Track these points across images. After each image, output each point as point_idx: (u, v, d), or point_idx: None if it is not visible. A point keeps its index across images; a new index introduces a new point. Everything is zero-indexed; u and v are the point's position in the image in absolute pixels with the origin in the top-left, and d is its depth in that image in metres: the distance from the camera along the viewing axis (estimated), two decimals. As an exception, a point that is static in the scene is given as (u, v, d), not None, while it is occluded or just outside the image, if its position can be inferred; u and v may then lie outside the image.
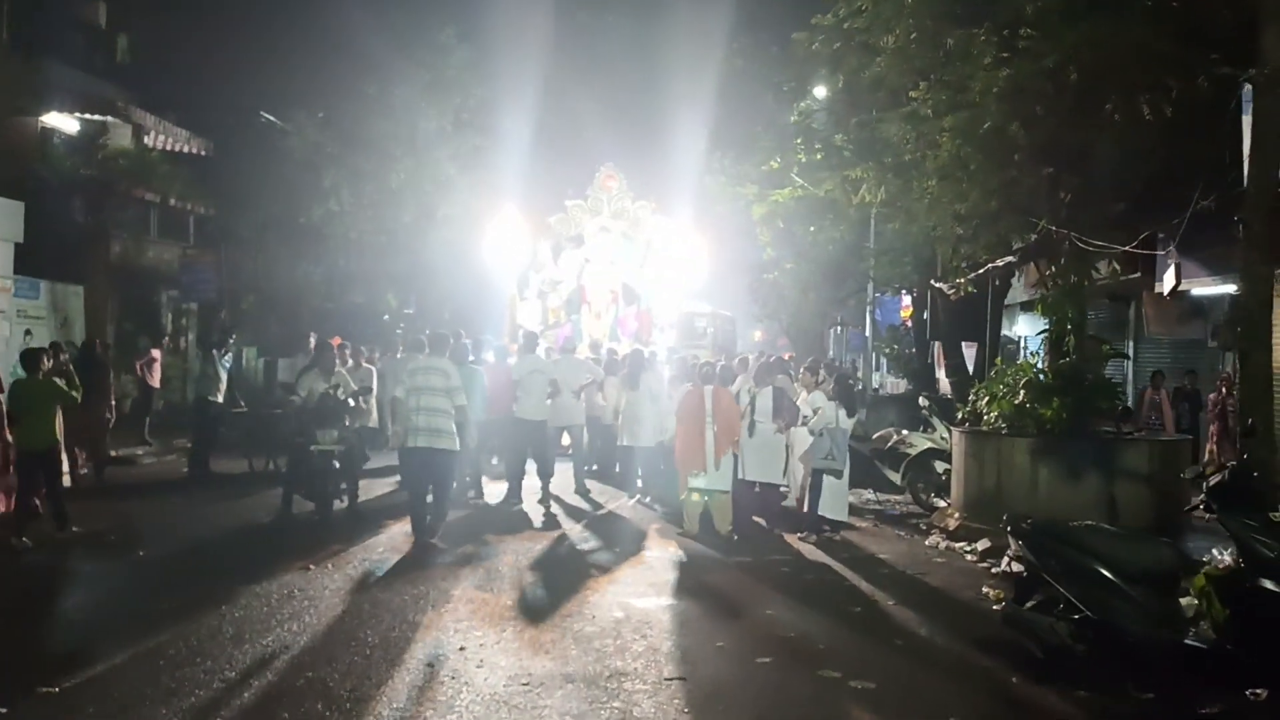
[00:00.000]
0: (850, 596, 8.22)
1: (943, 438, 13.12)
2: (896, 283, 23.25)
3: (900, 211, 13.23)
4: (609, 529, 11.08)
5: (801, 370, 12.74)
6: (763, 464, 10.87)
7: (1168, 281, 10.12)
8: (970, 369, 17.73)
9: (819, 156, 20.82)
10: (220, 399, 13.84)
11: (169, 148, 22.29)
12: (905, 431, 13.39)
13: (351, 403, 10.65)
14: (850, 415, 10.84)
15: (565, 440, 14.52)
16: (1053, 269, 10.90)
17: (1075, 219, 10.52)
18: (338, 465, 10.44)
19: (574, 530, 10.99)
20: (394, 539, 9.98)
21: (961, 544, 10.42)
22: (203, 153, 22.76)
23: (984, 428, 11.20)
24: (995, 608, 7.86)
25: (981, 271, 12.68)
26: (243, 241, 22.99)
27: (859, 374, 27.53)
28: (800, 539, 10.58)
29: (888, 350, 24.64)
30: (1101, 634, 5.53)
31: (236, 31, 22.85)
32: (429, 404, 9.60)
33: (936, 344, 21.77)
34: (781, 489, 11.47)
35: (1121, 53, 8.93)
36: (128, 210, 20.89)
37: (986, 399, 11.24)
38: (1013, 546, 6.12)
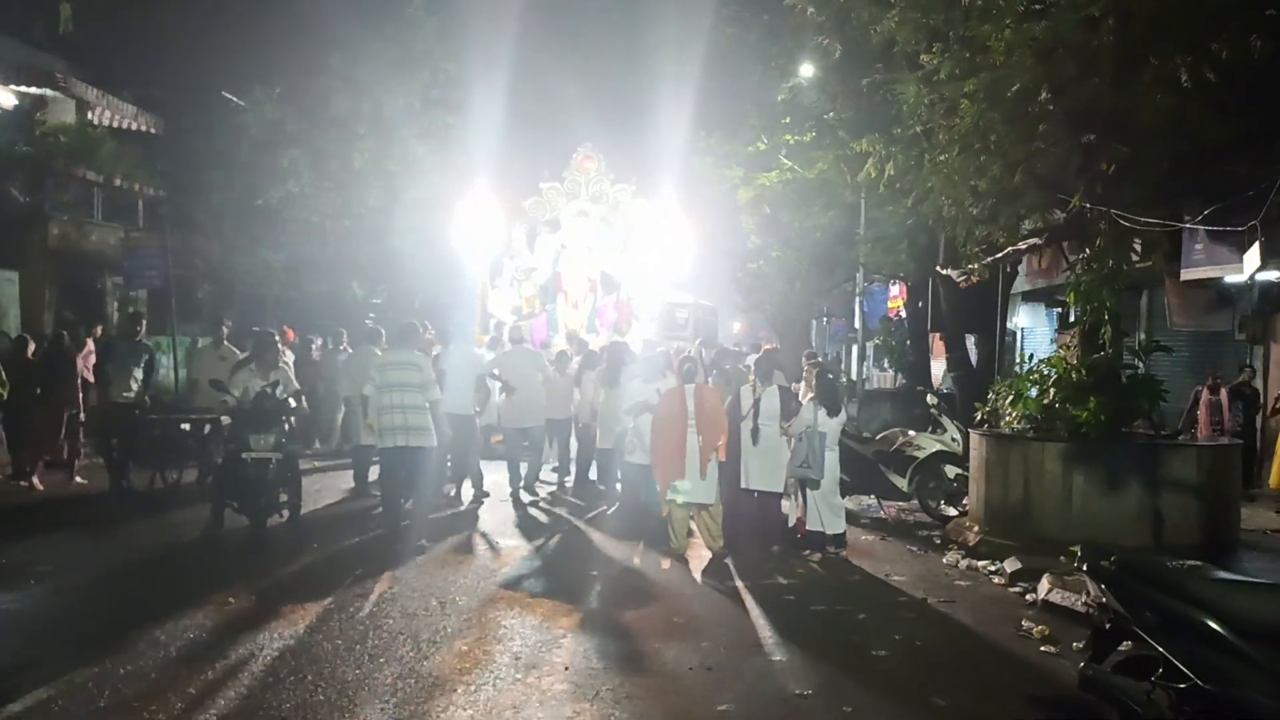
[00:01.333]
0: (870, 635, 6.96)
1: (954, 439, 11.92)
2: (890, 271, 22.04)
3: (907, 190, 11.96)
4: (583, 546, 9.81)
5: (804, 364, 11.47)
6: (769, 471, 9.61)
7: (1249, 264, 8.88)
8: (974, 362, 16.51)
9: (809, 136, 19.65)
10: (132, 398, 11.88)
11: (115, 124, 20.80)
12: (912, 432, 12.17)
13: (293, 403, 9.29)
14: (833, 415, 9.52)
15: (496, 438, 13.76)
16: (1086, 251, 9.65)
17: (1114, 194, 9.29)
18: (274, 474, 9.06)
19: (545, 546, 9.70)
20: (337, 562, 8.67)
21: (984, 563, 9.20)
22: (152, 130, 21.28)
23: (1007, 430, 9.97)
24: (1043, 649, 6.66)
25: (1000, 256, 11.44)
26: (197, 226, 21.52)
27: (841, 367, 26.22)
28: (801, 556, 9.34)
29: (880, 342, 23.41)
30: (1215, 707, 4.30)
31: (189, 0, 21.39)
32: (406, 401, 9.33)
33: (934, 336, 20.57)
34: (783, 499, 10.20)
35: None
36: (68, 191, 19.37)
37: (1010, 397, 10.01)
38: (1090, 590, 4.86)
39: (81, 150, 19.26)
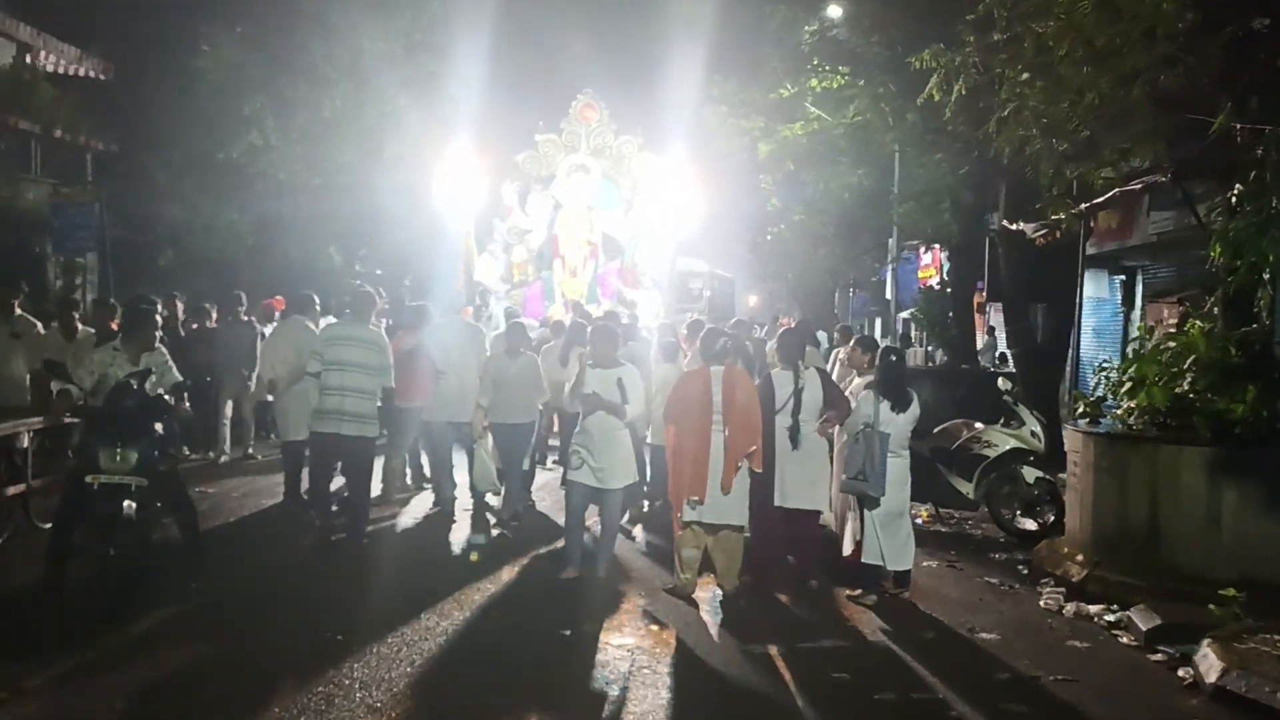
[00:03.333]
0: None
1: (1034, 434, 9.51)
2: (930, 233, 19.54)
3: (975, 120, 9.53)
4: (555, 575, 7.41)
5: (850, 345, 8.99)
6: (810, 483, 7.23)
7: None
8: (1038, 337, 14.05)
9: (839, 80, 17.12)
10: None
11: (56, 69, 18.47)
12: (979, 425, 9.76)
13: (172, 400, 6.75)
14: (899, 409, 6.96)
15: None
16: (1234, 189, 7.17)
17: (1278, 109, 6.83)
18: (139, 507, 6.18)
19: (503, 576, 7.37)
20: (231, 612, 6.37)
21: (1098, 608, 6.81)
22: (100, 75, 18.94)
23: (1122, 428, 7.55)
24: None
25: (1102, 201, 9.02)
26: (153, 184, 19.19)
27: (910, 344, 23.54)
28: (852, 597, 6.98)
29: (916, 314, 20.92)
30: None
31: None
32: (350, 383, 7.88)
33: (990, 307, 18.15)
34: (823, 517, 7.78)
35: None
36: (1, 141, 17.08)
37: (1128, 385, 7.56)
38: None
39: (13, 96, 16.92)
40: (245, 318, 11.83)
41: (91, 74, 19.10)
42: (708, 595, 6.97)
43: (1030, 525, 9.50)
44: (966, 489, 9.48)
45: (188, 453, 11.76)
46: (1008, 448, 9.41)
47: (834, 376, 9.53)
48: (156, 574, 6.41)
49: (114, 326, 10.45)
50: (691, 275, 27.56)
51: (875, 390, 6.95)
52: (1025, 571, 7.96)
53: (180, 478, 7.07)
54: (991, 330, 26.41)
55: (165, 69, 18.40)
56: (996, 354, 24.88)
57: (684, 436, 6.88)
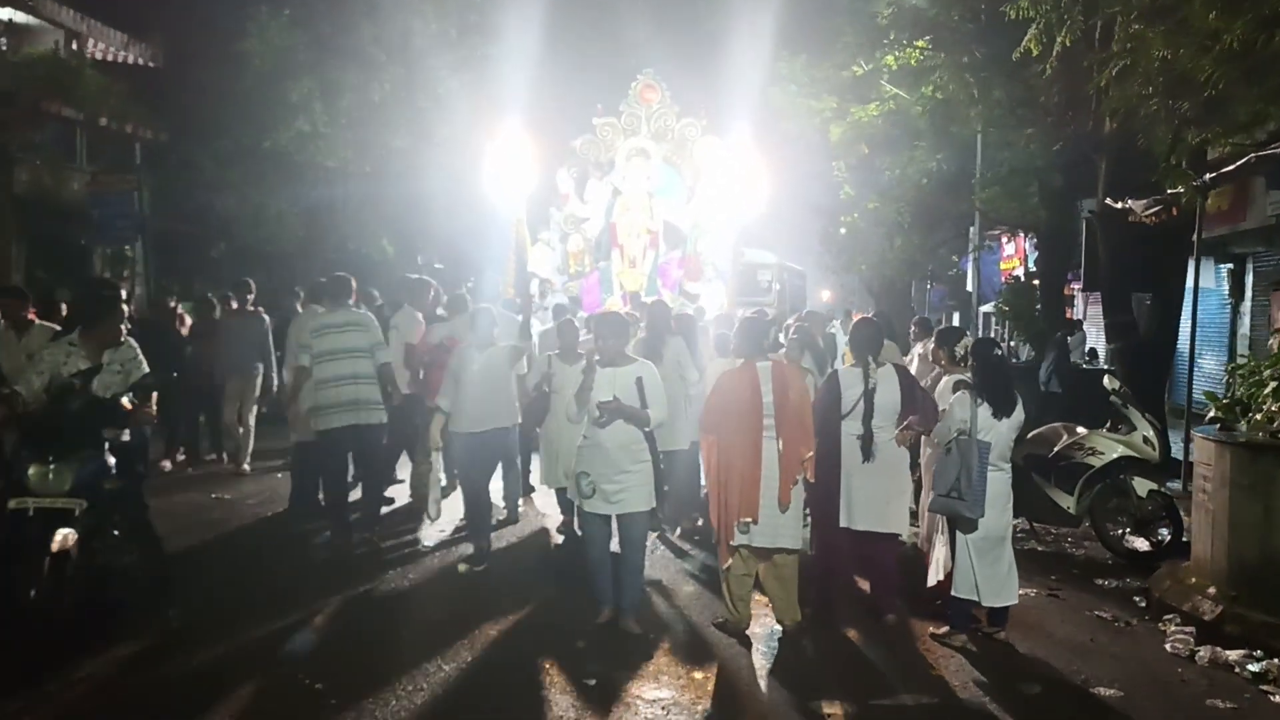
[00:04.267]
0: None
1: (1147, 440, 8.26)
2: (1015, 219, 18.19)
3: (1075, 82, 8.31)
4: (581, 606, 6.39)
5: (930, 341, 7.79)
6: (884, 501, 6.11)
7: None
8: (1140, 329, 12.67)
9: (917, 55, 15.90)
10: None
11: (104, 56, 17.99)
12: (1081, 430, 8.53)
13: (128, 405, 5.60)
14: (1002, 414, 5.79)
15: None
16: None
17: None
18: (81, 541, 5.09)
19: (522, 610, 6.40)
20: (203, 656, 5.50)
21: (1239, 654, 5.62)
22: (148, 63, 18.43)
23: (1269, 437, 6.30)
24: None
25: (1235, 168, 7.74)
26: (203, 174, 18.66)
27: (1009, 343, 22.05)
28: (937, 637, 5.87)
29: (1001, 307, 19.51)
30: None
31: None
32: (362, 370, 7.56)
33: (1079, 299, 16.75)
34: (903, 539, 6.65)
35: None
36: (42, 130, 16.59)
37: (1274, 385, 6.30)
38: None
39: (59, 83, 16.42)
40: (252, 308, 10.92)
41: (139, 61, 18.60)
42: (763, 632, 5.92)
43: (1142, 545, 8.27)
44: (1067, 502, 8.26)
45: (214, 456, 11.04)
46: (1115, 455, 8.19)
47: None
48: (116, 611, 5.52)
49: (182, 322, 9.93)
50: (760, 267, 26.43)
51: (972, 391, 5.82)
52: (1143, 604, 6.76)
53: (142, 498, 5.87)
54: (1079, 324, 24.85)
55: (213, 55, 17.81)
56: (1086, 349, 23.39)
57: (729, 448, 5.76)
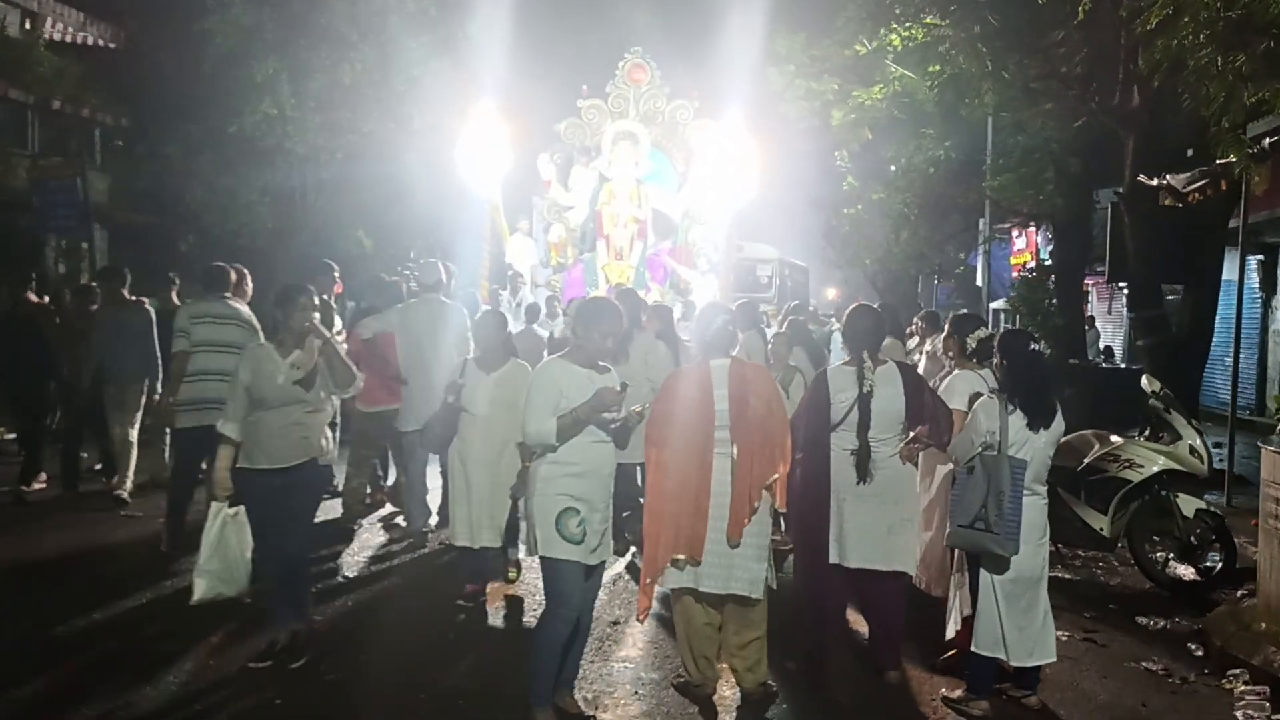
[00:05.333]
0: None
1: (1193, 450, 7.12)
2: (1030, 207, 17.01)
3: (1104, 44, 7.16)
4: (502, 659, 5.23)
5: (939, 338, 6.55)
6: (884, 532, 4.93)
7: None
8: (1173, 325, 11.50)
9: (923, 30, 14.72)
10: None
11: (62, 37, 16.92)
12: (1116, 439, 7.39)
13: None
14: (1039, 424, 4.62)
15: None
16: None
17: None
18: None
19: (461, 659, 5.27)
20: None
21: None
22: (108, 43, 17.35)
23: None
24: None
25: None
26: (168, 162, 17.58)
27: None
28: (951, 702, 4.74)
29: (1013, 304, 18.32)
30: None
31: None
32: (223, 366, 6.47)
33: (1093, 294, 15.58)
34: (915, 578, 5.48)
35: None
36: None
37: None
38: None
39: (6, 62, 15.36)
40: (133, 298, 8.77)
41: (99, 41, 17.53)
42: (735, 697, 4.79)
43: (1188, 573, 7.15)
44: (1100, 523, 7.13)
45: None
46: (1157, 469, 7.05)
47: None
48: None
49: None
50: (759, 263, 25.33)
51: (1001, 396, 4.69)
52: (1200, 652, 5.63)
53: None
54: (1091, 320, 23.69)
55: (174, 34, 16.72)
56: (1101, 347, 22.24)
57: (670, 465, 4.59)
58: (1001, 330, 5.24)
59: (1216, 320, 11.74)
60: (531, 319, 11.21)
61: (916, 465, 5.10)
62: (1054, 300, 16.60)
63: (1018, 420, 4.57)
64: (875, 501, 4.91)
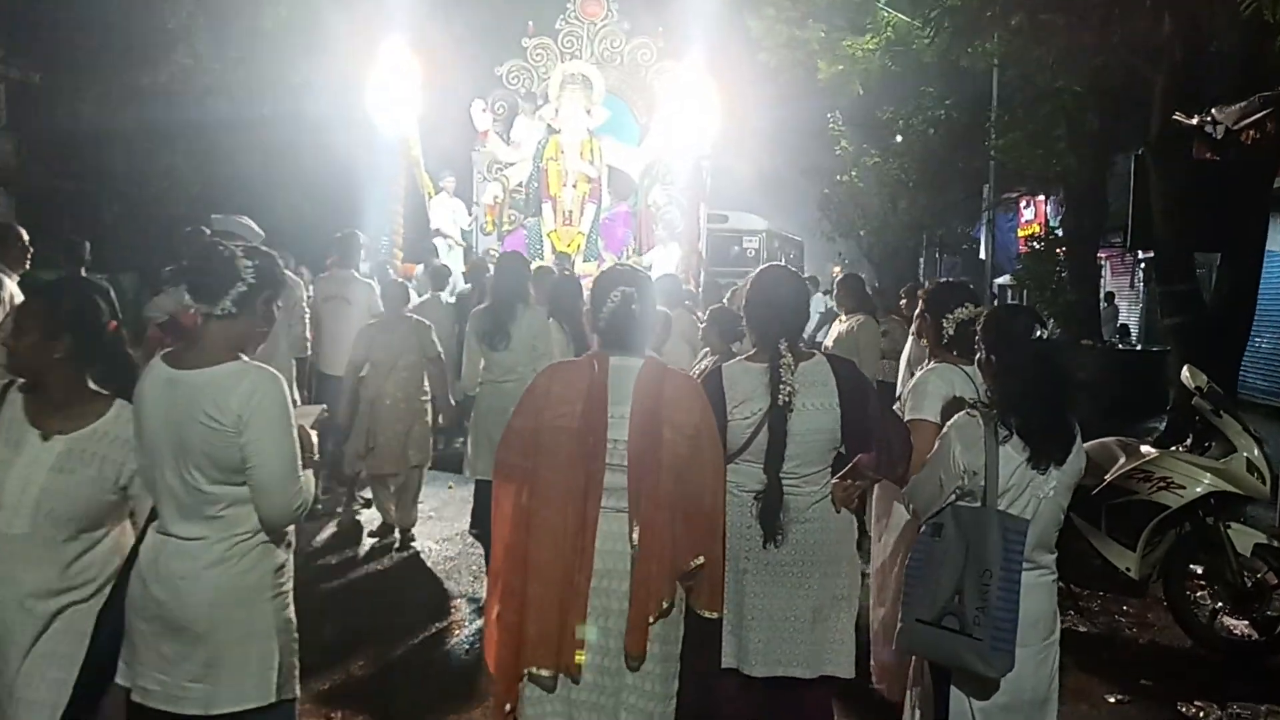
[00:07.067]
0: None
1: (1251, 464, 5.33)
2: (1037, 169, 15.23)
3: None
4: None
5: (903, 303, 4.64)
6: (805, 622, 3.17)
7: None
8: (1208, 301, 9.68)
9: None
10: None
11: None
12: (1149, 449, 5.62)
13: None
14: (1052, 462, 2.85)
15: None
16: None
17: None
18: None
19: None
20: None
21: None
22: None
23: None
24: None
25: None
26: (79, 120, 15.85)
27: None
28: None
29: (1019, 279, 16.45)
30: None
31: None
32: None
33: (1110, 265, 13.80)
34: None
35: None
36: None
37: None
38: None
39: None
40: None
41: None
42: None
43: (1244, 629, 5.40)
44: (1127, 561, 5.38)
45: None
46: (1202, 491, 5.28)
47: (902, 373, 5.49)
48: None
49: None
50: (746, 234, 23.54)
51: (988, 414, 2.92)
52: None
53: None
54: (1110, 296, 21.88)
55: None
56: (1117, 326, 20.46)
57: (534, 515, 2.86)
58: (992, 309, 3.37)
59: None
60: (438, 285, 9.43)
61: (862, 512, 3.34)
62: (1064, 274, 14.82)
63: (1014, 453, 2.80)
64: (792, 573, 3.14)
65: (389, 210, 10.88)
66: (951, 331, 3.67)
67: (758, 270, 3.46)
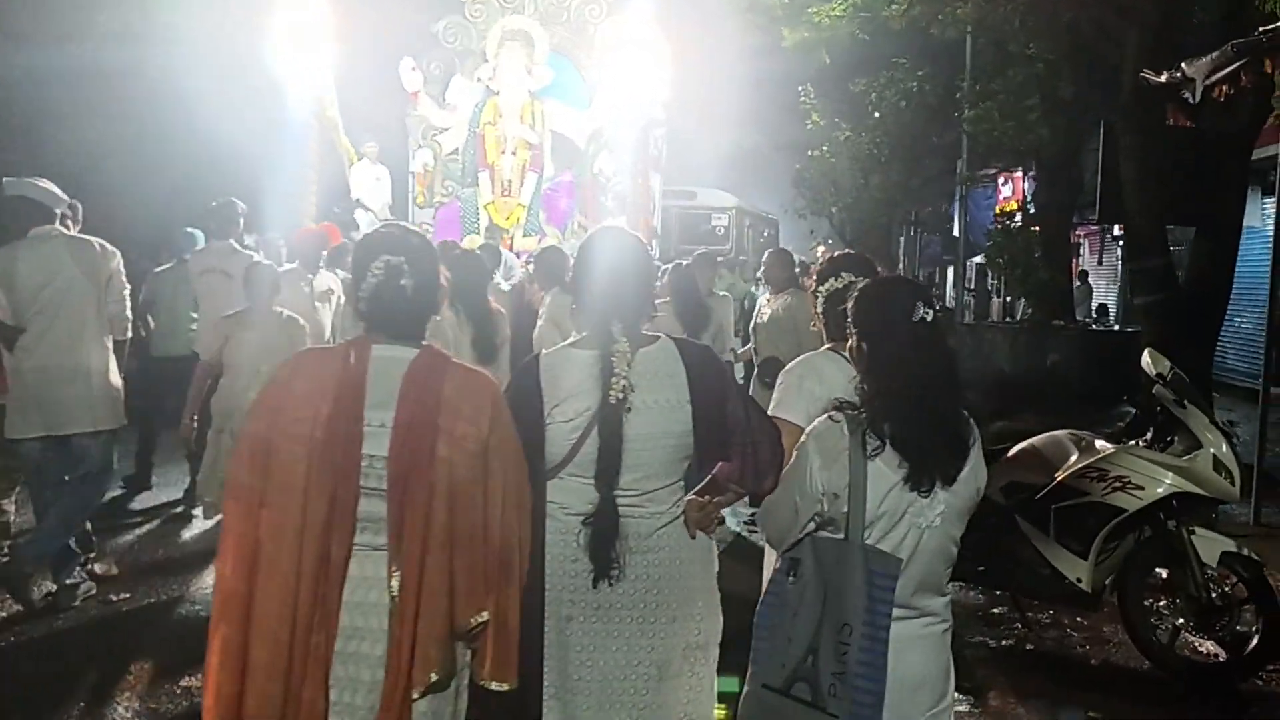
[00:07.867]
0: None
1: (1219, 462, 4.64)
2: (1008, 142, 14.56)
3: None
4: None
5: (816, 269, 3.83)
6: (653, 677, 2.45)
7: None
8: (1181, 278, 9.02)
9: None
10: None
11: None
12: (1103, 444, 4.95)
13: None
14: (935, 482, 2.14)
15: None
16: None
17: None
18: None
19: None
20: None
21: None
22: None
23: None
24: None
25: None
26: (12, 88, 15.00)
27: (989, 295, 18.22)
28: None
29: (991, 255, 15.72)
30: None
31: None
32: None
33: (1088, 243, 13.13)
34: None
35: None
36: None
37: None
38: None
39: None
40: None
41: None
42: None
43: (1210, 649, 4.75)
44: (1078, 570, 4.72)
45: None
46: (1164, 492, 4.61)
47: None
48: None
49: None
50: (715, 211, 22.84)
51: (855, 419, 2.21)
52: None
53: None
54: (1084, 275, 21.26)
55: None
56: (1094, 305, 19.87)
57: (266, 550, 2.15)
58: (868, 283, 2.51)
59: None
60: (332, 263, 8.54)
61: (709, 535, 2.63)
62: (1037, 252, 14.15)
63: (887, 471, 2.10)
64: (632, 618, 2.44)
65: (301, 177, 10.00)
66: (819, 308, 2.96)
67: (589, 233, 2.75)
